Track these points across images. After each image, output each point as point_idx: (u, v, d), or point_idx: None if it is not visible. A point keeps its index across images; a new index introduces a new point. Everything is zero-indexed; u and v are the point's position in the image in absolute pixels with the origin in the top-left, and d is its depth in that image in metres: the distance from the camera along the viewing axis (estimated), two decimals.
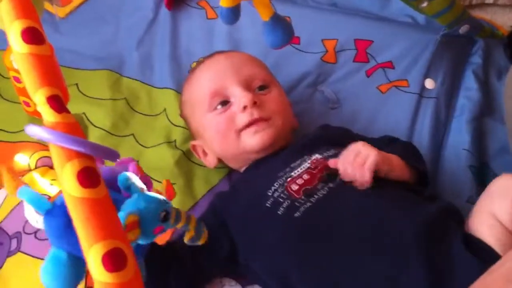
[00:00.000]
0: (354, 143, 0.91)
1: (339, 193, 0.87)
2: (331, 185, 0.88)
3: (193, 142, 1.09)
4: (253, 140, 0.99)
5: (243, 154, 1.02)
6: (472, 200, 1.01)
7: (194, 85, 1.08)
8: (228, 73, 1.03)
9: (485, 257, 0.74)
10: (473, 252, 0.78)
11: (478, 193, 1.01)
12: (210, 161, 1.07)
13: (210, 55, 1.12)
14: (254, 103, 0.99)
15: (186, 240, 0.68)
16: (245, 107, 0.99)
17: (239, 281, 0.95)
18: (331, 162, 0.90)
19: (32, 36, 0.54)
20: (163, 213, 0.62)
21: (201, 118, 1.05)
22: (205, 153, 1.08)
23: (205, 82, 1.05)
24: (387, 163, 0.89)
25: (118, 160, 0.75)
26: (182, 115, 1.14)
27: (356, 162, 0.87)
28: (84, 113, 1.14)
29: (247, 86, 1.02)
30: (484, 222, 0.82)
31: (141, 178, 0.65)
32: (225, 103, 1.02)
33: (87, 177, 0.49)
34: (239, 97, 1.00)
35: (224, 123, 1.01)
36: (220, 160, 1.07)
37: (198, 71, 1.09)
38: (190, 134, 1.13)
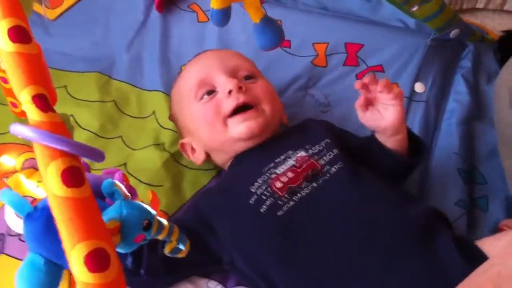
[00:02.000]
0: None
1: (322, 192, 0.88)
2: (315, 184, 0.89)
3: (181, 141, 1.08)
4: (241, 128, 0.98)
5: (231, 143, 1.00)
6: (460, 204, 1.02)
7: (182, 78, 1.09)
8: (215, 64, 1.04)
9: (479, 262, 0.74)
10: (466, 257, 0.78)
11: (466, 196, 1.03)
12: (198, 157, 1.06)
13: (199, 53, 1.13)
14: (240, 88, 0.99)
15: (167, 251, 0.67)
16: (230, 92, 0.98)
17: (225, 284, 0.94)
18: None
19: (19, 34, 0.54)
20: (145, 221, 0.60)
21: (188, 110, 1.04)
22: (193, 150, 1.07)
23: (192, 73, 1.06)
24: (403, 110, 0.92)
25: (105, 169, 0.75)
26: (171, 114, 1.14)
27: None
28: (72, 115, 1.14)
29: (233, 75, 1.02)
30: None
31: (126, 188, 0.64)
32: (211, 92, 1.02)
33: (71, 176, 0.48)
34: (224, 83, 1.00)
35: (211, 110, 1.00)
36: (208, 156, 1.06)
37: (187, 66, 1.10)
38: (179, 135, 1.12)
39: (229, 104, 0.98)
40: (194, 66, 1.08)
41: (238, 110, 0.99)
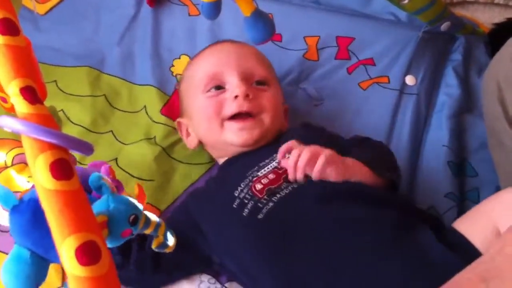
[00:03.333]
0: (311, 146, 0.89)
1: (301, 192, 0.87)
2: (295, 185, 0.88)
3: (179, 119, 1.09)
4: (236, 137, 0.98)
5: (223, 145, 1.01)
6: (450, 196, 1.02)
7: (196, 64, 1.08)
8: (231, 61, 1.03)
9: (468, 254, 0.75)
10: (454, 249, 0.78)
11: (456, 189, 1.03)
12: (191, 142, 1.07)
13: (220, 41, 1.13)
14: (247, 96, 0.98)
15: (154, 246, 0.67)
16: (236, 97, 0.98)
17: (218, 278, 0.94)
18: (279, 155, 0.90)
19: (7, 27, 0.53)
20: (132, 216, 0.60)
21: (194, 98, 1.04)
22: (188, 133, 1.08)
23: (207, 63, 1.05)
24: (341, 168, 0.87)
25: (91, 162, 0.74)
26: (178, 89, 1.15)
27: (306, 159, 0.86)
28: (62, 110, 1.13)
29: (246, 78, 1.02)
30: (482, 229, 0.81)
31: (112, 181, 0.64)
32: (219, 88, 1.01)
33: (60, 169, 0.48)
34: (234, 86, 0.99)
35: (213, 107, 1.00)
36: (200, 143, 1.07)
37: (204, 53, 1.09)
38: (180, 113, 1.13)
39: (231, 108, 0.98)
40: (211, 57, 1.06)
41: (238, 114, 0.99)
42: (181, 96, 1.12)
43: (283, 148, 0.90)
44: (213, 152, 1.07)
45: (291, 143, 0.90)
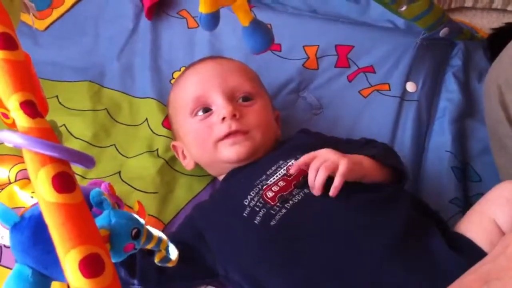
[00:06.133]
0: (324, 149, 0.89)
1: (314, 198, 0.86)
2: (306, 190, 0.88)
3: (174, 143, 1.09)
4: (229, 152, 0.98)
5: (219, 164, 1.01)
6: (455, 202, 1.02)
7: (180, 87, 1.08)
8: (214, 81, 1.03)
9: (473, 255, 0.75)
10: (459, 251, 0.78)
11: (461, 194, 1.03)
12: (187, 163, 1.07)
13: (201, 60, 1.12)
14: (234, 116, 0.99)
15: (156, 260, 0.67)
16: (224, 119, 0.98)
17: None
18: (293, 168, 0.89)
19: (5, 41, 0.53)
20: (134, 230, 0.60)
21: (182, 122, 1.05)
22: (184, 156, 1.08)
23: (190, 86, 1.05)
24: (357, 170, 0.87)
25: (90, 181, 0.74)
26: (167, 113, 1.14)
27: (325, 167, 0.84)
28: (64, 125, 1.13)
29: (231, 96, 1.02)
30: (481, 226, 0.82)
31: (113, 198, 0.64)
32: (206, 110, 1.02)
33: (62, 182, 0.47)
34: (220, 107, 1.00)
35: (203, 131, 1.00)
36: (197, 164, 1.07)
37: (186, 75, 1.08)
38: (172, 134, 1.13)
39: (222, 129, 0.98)
40: (193, 79, 1.06)
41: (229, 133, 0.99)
42: (170, 119, 1.12)
43: (300, 163, 0.89)
44: (211, 171, 1.07)
45: (304, 159, 0.89)
